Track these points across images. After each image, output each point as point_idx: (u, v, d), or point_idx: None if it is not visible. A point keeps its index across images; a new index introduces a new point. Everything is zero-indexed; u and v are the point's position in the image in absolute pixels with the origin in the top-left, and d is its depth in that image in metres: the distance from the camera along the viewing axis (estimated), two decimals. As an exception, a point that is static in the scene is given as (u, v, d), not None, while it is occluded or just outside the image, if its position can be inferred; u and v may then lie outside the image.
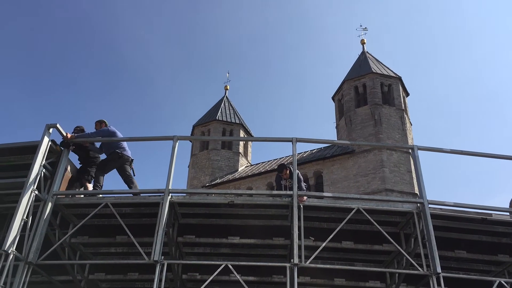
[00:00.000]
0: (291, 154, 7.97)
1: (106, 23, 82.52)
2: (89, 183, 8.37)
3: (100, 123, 8.80)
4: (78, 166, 8.56)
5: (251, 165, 34.66)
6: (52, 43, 79.57)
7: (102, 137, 8.49)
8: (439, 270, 6.72)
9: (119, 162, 8.61)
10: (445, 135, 78.83)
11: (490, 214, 7.67)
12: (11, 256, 6.49)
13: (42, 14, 77.99)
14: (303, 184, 8.45)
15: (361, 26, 39.13)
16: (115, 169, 8.76)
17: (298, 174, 8.25)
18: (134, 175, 8.70)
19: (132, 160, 8.79)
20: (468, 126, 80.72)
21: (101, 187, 8.42)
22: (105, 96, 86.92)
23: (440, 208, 7.63)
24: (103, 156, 8.78)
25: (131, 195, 8.14)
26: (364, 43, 35.78)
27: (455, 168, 77.26)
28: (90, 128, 8.73)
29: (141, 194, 8.03)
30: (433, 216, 7.32)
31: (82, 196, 8.08)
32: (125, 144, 8.71)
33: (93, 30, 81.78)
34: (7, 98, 75.05)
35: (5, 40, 72.19)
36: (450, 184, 71.39)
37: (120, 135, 8.63)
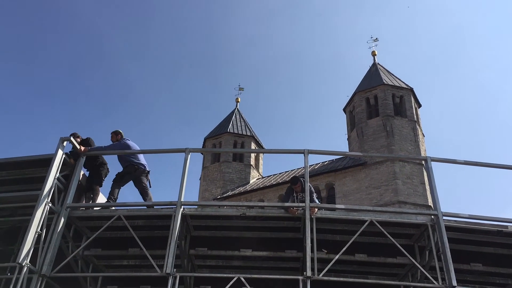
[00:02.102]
0: (303, 166, 7.95)
1: (117, 29, 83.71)
2: (100, 186, 8.46)
3: (116, 134, 8.89)
4: (87, 174, 8.68)
5: (263, 177, 34.60)
6: (62, 52, 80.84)
7: (115, 150, 8.58)
8: (454, 283, 6.62)
9: (135, 175, 8.68)
10: (459, 146, 78.12)
11: (506, 226, 7.56)
12: (25, 268, 6.55)
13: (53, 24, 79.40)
14: (315, 197, 8.39)
15: (371, 37, 39.09)
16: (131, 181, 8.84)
17: (310, 186, 8.19)
18: (150, 187, 8.76)
19: (148, 171, 8.85)
20: (482, 137, 79.93)
21: (116, 199, 8.47)
22: (116, 108, 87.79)
23: (455, 220, 7.53)
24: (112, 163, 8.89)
25: (144, 207, 8.18)
26: (375, 54, 35.75)
27: (469, 179, 76.40)
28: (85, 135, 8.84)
29: (153, 207, 8.06)
30: (448, 228, 7.23)
31: (95, 208, 8.13)
32: (141, 155, 8.78)
33: (103, 37, 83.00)
34: (17, 109, 76.21)
35: (14, 48, 73.54)
36: (464, 196, 70.56)
37: (135, 146, 8.71)
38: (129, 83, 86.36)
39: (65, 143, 7.73)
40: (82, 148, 8.05)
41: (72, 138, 7.86)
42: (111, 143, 8.85)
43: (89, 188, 8.49)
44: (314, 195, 8.38)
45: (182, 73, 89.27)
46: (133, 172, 8.65)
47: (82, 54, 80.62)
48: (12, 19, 70.71)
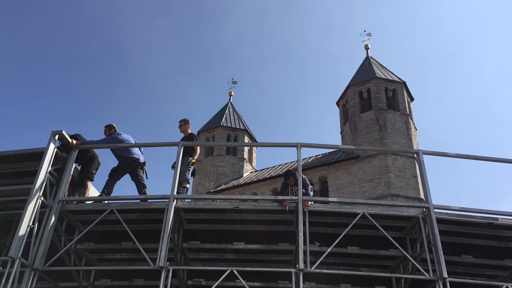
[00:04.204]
0: (296, 159, 7.97)
1: (111, 26, 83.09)
2: (92, 180, 8.44)
3: (109, 128, 8.85)
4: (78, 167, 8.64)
5: (256, 171, 34.64)
6: (56, 45, 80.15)
7: (108, 144, 8.54)
8: (445, 275, 6.69)
9: (129, 168, 8.66)
10: (451, 139, 78.57)
11: (497, 219, 7.63)
12: (17, 262, 6.51)
13: (46, 15, 78.62)
14: (310, 189, 8.41)
15: (365, 31, 39.23)
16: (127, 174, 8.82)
17: (305, 179, 8.21)
18: (147, 178, 8.74)
19: (143, 163, 8.81)
20: (473, 130, 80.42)
21: (109, 193, 8.41)
22: (110, 100, 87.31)
23: (446, 213, 7.59)
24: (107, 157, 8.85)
25: (137, 201, 8.16)
26: (368, 48, 35.78)
27: (460, 172, 76.93)
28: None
29: (146, 200, 8.05)
30: (439, 220, 7.29)
31: (88, 202, 8.10)
32: (135, 148, 8.74)
33: (97, 33, 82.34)
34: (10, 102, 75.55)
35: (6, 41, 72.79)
36: (456, 189, 71.08)
37: (130, 139, 8.66)
38: (121, 77, 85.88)
39: (56, 136, 7.68)
40: (74, 141, 8.00)
41: (64, 132, 7.81)
42: (104, 137, 8.80)
43: (81, 183, 8.46)
44: (309, 187, 8.39)
45: (175, 67, 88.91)
46: (127, 165, 8.62)
47: (75, 48, 79.98)
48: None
